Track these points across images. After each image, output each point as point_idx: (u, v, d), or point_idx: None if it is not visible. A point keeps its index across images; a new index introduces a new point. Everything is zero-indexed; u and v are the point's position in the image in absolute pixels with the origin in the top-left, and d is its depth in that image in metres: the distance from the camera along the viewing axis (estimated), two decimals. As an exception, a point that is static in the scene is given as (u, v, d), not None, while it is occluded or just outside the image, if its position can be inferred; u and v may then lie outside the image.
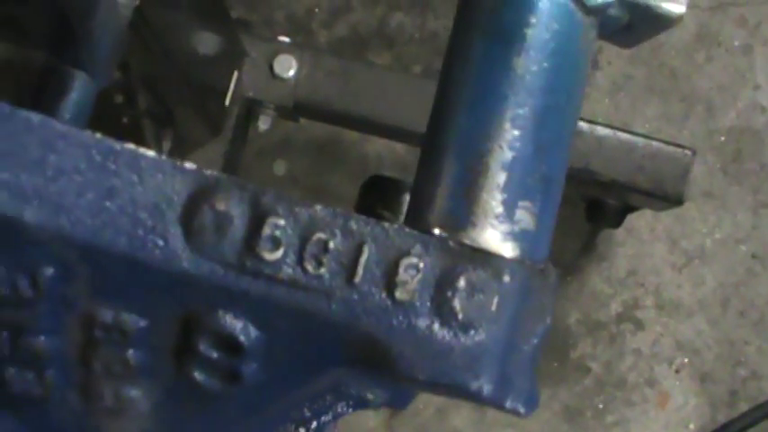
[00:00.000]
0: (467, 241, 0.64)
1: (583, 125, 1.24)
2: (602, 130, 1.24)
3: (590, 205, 1.39)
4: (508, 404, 0.65)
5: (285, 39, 1.26)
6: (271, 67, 1.23)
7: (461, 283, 0.63)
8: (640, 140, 1.24)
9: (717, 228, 1.45)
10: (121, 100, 1.01)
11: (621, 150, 1.23)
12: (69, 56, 0.70)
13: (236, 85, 1.21)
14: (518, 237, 0.66)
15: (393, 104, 1.25)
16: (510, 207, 0.65)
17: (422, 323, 0.62)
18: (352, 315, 0.61)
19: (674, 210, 1.42)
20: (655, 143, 1.24)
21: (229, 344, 0.63)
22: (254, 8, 1.48)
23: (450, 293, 0.62)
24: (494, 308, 0.63)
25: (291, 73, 1.23)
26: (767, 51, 1.47)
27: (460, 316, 0.63)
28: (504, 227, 0.65)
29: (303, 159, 1.45)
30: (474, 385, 0.63)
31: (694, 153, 1.24)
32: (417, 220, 0.65)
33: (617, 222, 1.37)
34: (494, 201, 0.65)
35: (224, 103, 1.20)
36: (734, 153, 1.46)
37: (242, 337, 0.63)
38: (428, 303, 0.62)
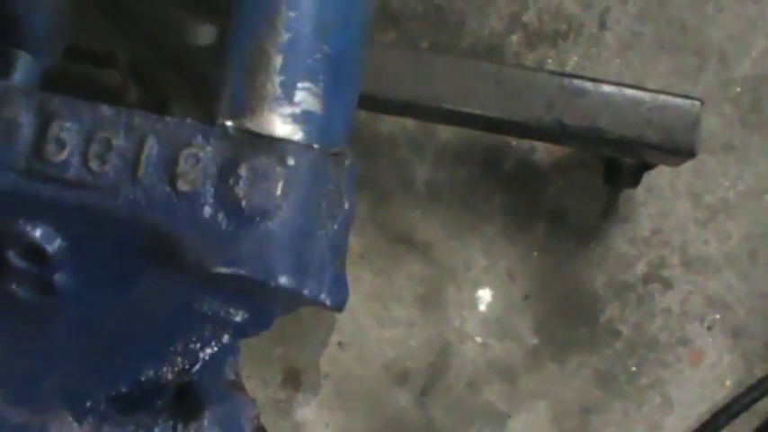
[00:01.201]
0: (251, 128, 0.63)
1: (587, 83, 1.22)
2: (607, 87, 1.22)
3: (607, 167, 1.37)
4: (307, 293, 0.63)
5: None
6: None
7: (243, 170, 0.62)
8: (647, 95, 1.22)
9: (739, 180, 1.42)
10: (113, 90, 1.01)
11: (628, 106, 1.22)
12: (8, 37, 0.70)
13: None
14: (302, 120, 0.64)
15: (397, 79, 1.25)
16: (289, 89, 0.63)
17: (206, 213, 0.61)
18: (137, 209, 0.61)
19: (695, 165, 1.41)
20: (661, 96, 1.22)
21: (36, 253, 0.63)
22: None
23: (232, 181, 0.61)
24: (279, 193, 0.62)
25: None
26: (777, -4, 1.44)
27: (244, 203, 0.61)
28: (285, 110, 0.63)
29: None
30: (266, 275, 0.62)
31: (702, 103, 1.22)
32: (205, 112, 0.64)
33: (635, 181, 1.35)
34: (270, 84, 0.63)
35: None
36: (751, 103, 1.43)
37: (47, 246, 0.63)
38: (211, 193, 0.61)
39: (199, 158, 0.61)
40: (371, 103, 1.26)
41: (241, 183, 0.62)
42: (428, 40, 1.46)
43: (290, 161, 0.63)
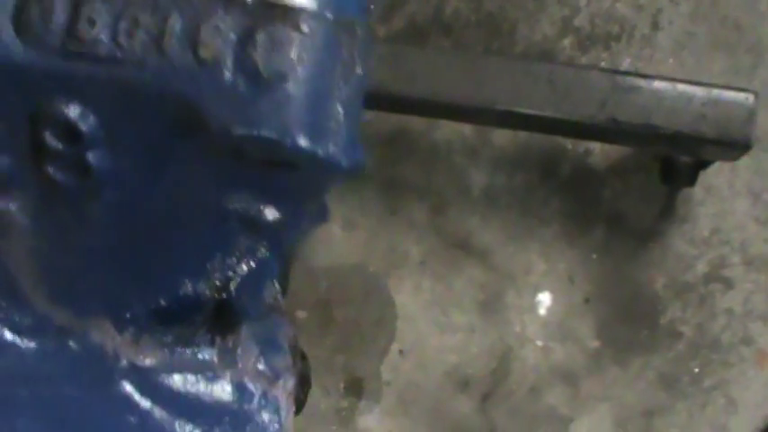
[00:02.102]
0: None
1: (639, 80, 1.22)
2: (659, 83, 1.22)
3: (663, 166, 1.37)
4: (322, 153, 0.65)
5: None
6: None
7: (261, 37, 0.64)
8: (700, 89, 1.22)
9: (799, 176, 1.41)
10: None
11: (681, 101, 1.21)
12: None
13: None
14: None
15: (449, 83, 1.25)
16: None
17: (226, 78, 0.64)
18: (163, 79, 0.64)
19: (753, 163, 1.40)
20: (715, 90, 1.21)
21: (71, 132, 0.65)
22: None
23: (251, 49, 0.64)
24: (294, 57, 0.64)
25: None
26: (831, -10, 1.43)
27: (261, 68, 0.64)
28: None
29: (374, 154, 1.45)
30: (284, 134, 0.63)
31: (757, 95, 1.21)
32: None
33: (692, 180, 1.34)
34: (285, -45, 0.65)
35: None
36: (808, 98, 1.42)
37: (81, 124, 0.65)
38: (231, 59, 0.64)
39: (219, 29, 0.64)
40: (423, 107, 1.27)
41: (259, 49, 0.65)
42: (481, 47, 1.47)
43: (305, 28, 0.67)
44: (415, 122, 1.45)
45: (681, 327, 1.40)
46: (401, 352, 1.42)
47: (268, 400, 0.74)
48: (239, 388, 0.73)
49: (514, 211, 1.43)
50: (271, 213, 0.70)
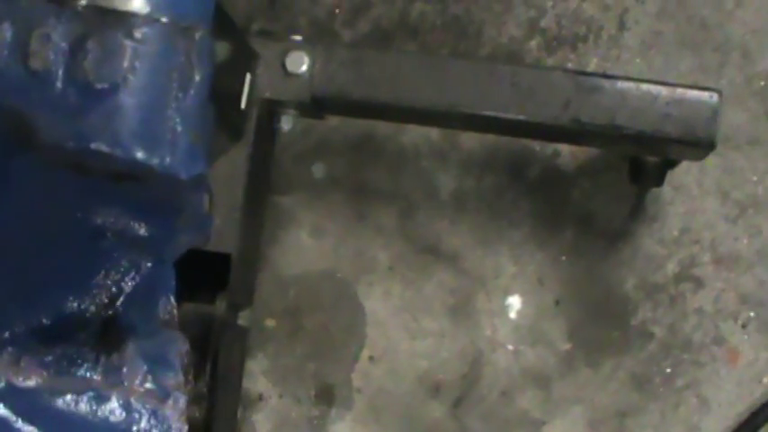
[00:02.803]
0: (101, 3, 0.63)
1: (603, 80, 1.21)
2: (623, 83, 1.21)
3: (631, 166, 1.36)
4: (158, 163, 0.64)
5: (296, 37, 1.26)
6: (283, 66, 1.23)
7: (92, 45, 0.63)
8: (664, 88, 1.21)
9: (767, 174, 1.40)
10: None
11: (645, 101, 1.20)
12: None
13: (250, 88, 1.22)
14: None
15: (412, 86, 1.24)
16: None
17: (57, 90, 0.62)
18: None
19: (722, 161, 1.39)
20: (679, 90, 1.20)
21: None
22: (276, 18, 1.49)
23: (81, 58, 0.63)
24: (126, 65, 0.63)
25: (304, 68, 1.23)
26: (797, -12, 1.43)
27: (92, 77, 0.63)
28: None
29: (341, 160, 1.45)
30: (115, 145, 0.62)
31: (721, 93, 1.20)
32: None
33: (660, 179, 1.33)
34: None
35: (239, 106, 1.21)
36: (776, 96, 1.42)
37: None
38: (62, 70, 0.62)
39: (50, 38, 0.63)
40: (387, 112, 1.26)
41: (90, 57, 0.64)
42: (447, 50, 1.46)
43: (138, 34, 0.65)
44: (382, 127, 1.44)
45: (652, 327, 1.40)
46: (371, 358, 1.41)
47: (158, 420, 0.73)
48: (126, 408, 0.72)
49: (483, 214, 1.43)
50: (142, 228, 0.68)
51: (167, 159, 0.65)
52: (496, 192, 1.43)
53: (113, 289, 0.69)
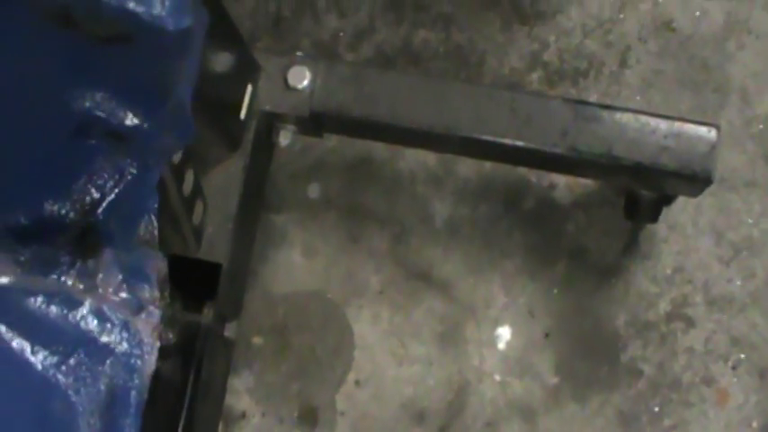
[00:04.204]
0: None
1: (602, 111, 1.21)
2: (621, 115, 1.21)
3: (627, 201, 1.36)
4: (144, 11, 0.64)
5: (299, 52, 1.27)
6: (285, 80, 1.24)
7: None
8: (662, 121, 1.21)
9: (763, 217, 1.40)
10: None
11: (643, 132, 1.20)
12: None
13: (251, 99, 1.22)
14: None
15: (412, 108, 1.24)
16: None
17: None
18: None
19: (718, 201, 1.39)
20: (677, 122, 1.20)
21: None
22: (281, 37, 1.49)
23: None
24: None
25: (305, 83, 1.23)
26: (798, 33, 1.44)
27: None
28: None
29: (336, 181, 1.45)
30: None
31: (719, 129, 1.20)
32: None
33: (655, 216, 1.33)
34: None
35: (239, 117, 1.21)
36: (774, 139, 1.42)
37: None
38: None
39: None
40: (385, 131, 1.26)
41: None
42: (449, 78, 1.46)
43: None
44: (379, 150, 1.44)
45: (641, 365, 1.38)
46: (357, 382, 1.40)
47: (129, 332, 0.72)
48: (98, 315, 0.71)
49: (476, 243, 1.42)
50: (127, 118, 0.68)
51: (156, 9, 0.64)
52: (491, 221, 1.43)
53: (95, 195, 0.68)
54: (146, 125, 0.70)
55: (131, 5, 0.64)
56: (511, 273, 1.41)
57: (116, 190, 0.69)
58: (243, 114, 1.21)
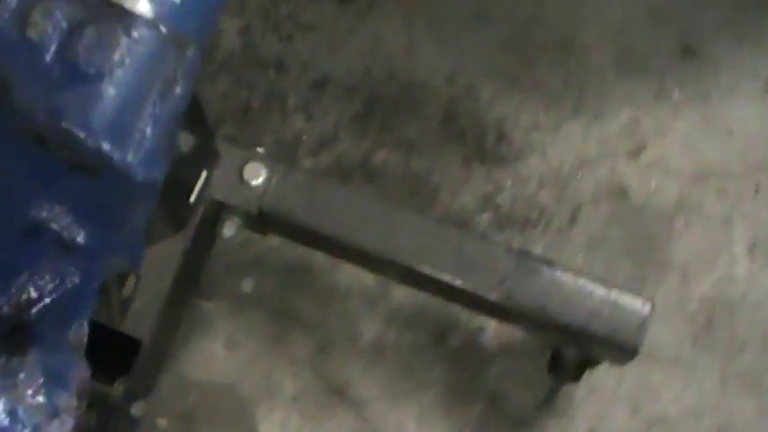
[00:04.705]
0: None
1: (543, 266, 1.23)
2: (562, 273, 1.22)
3: (552, 357, 1.36)
4: (118, 158, 0.65)
5: (260, 149, 1.27)
6: (241, 173, 1.24)
7: (90, 31, 0.66)
8: (600, 287, 1.22)
9: (681, 396, 1.41)
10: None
11: (580, 294, 1.22)
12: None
13: (203, 185, 1.22)
14: (158, 1, 0.67)
15: (359, 227, 1.25)
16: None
17: (46, 62, 0.65)
18: None
19: (640, 372, 1.40)
20: (614, 291, 1.22)
21: None
22: (246, 127, 1.50)
23: (77, 40, 0.65)
24: (116, 58, 0.66)
25: (260, 181, 1.24)
26: (746, 224, 1.46)
27: (81, 60, 0.65)
28: None
29: (272, 280, 1.44)
30: (84, 129, 0.63)
31: (654, 305, 1.22)
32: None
33: (577, 376, 1.34)
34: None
35: (188, 200, 1.21)
36: (705, 322, 1.43)
37: None
38: (55, 45, 0.65)
39: (53, 14, 0.66)
40: (328, 244, 1.27)
41: (84, 41, 0.67)
42: (400, 202, 1.47)
43: (135, 33, 0.68)
44: (319, 260, 1.44)
45: None
46: (258, 490, 1.38)
47: None
48: (11, 415, 0.70)
49: (398, 369, 1.42)
50: (80, 234, 0.68)
51: (129, 157, 0.66)
52: (415, 350, 1.43)
53: (33, 294, 0.68)
54: (96, 244, 0.70)
55: (106, 148, 0.66)
56: (427, 405, 1.41)
57: (54, 294, 0.69)
58: (192, 198, 1.21)
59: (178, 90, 0.71)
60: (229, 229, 1.27)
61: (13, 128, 0.67)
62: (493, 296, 1.22)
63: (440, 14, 1.57)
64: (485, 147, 1.51)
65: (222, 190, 1.24)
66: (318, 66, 1.55)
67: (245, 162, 1.25)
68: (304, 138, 1.51)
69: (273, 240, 1.37)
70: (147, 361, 1.19)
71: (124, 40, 0.68)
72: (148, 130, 0.69)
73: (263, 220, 1.25)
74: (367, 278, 1.44)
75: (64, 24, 0.67)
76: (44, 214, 0.70)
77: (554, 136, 1.51)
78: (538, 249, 1.45)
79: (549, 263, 1.24)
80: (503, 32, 1.56)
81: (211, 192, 1.24)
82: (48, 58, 0.66)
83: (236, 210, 1.25)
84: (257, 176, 1.24)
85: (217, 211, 1.25)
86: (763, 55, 1.53)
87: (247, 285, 1.44)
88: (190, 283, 1.30)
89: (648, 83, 1.53)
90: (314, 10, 1.58)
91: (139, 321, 1.15)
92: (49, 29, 0.66)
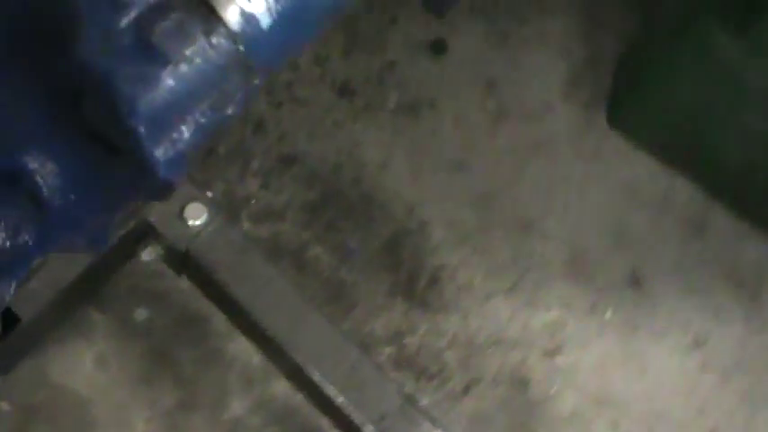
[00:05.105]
0: None
1: (425, 420, 1.22)
2: (440, 434, 1.22)
3: None
4: (147, 146, 0.64)
5: (209, 193, 1.26)
6: (182, 208, 1.23)
7: (174, 17, 0.64)
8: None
9: None
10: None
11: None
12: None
13: (142, 202, 1.20)
14: (248, 20, 0.68)
15: (268, 309, 1.24)
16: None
17: (120, 25, 0.63)
18: None
19: None
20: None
21: None
22: (203, 167, 1.48)
23: (159, 19, 0.64)
24: (187, 54, 0.64)
25: (197, 223, 1.22)
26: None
27: (155, 41, 0.64)
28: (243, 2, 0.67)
29: (165, 320, 1.42)
30: (126, 102, 0.62)
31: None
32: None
33: None
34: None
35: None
36: None
37: None
38: (135, 13, 0.63)
39: None
40: (235, 312, 1.26)
41: (165, 23, 0.65)
42: (317, 301, 1.45)
43: (214, 40, 0.67)
44: (219, 321, 1.39)
45: None
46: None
47: None
48: None
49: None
50: (60, 199, 0.67)
51: (159, 152, 0.64)
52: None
53: None
54: (68, 215, 0.69)
55: (141, 132, 0.65)
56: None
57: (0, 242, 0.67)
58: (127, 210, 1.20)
59: (229, 111, 0.70)
60: (149, 255, 1.25)
61: (50, 72, 0.65)
62: (368, 428, 1.20)
63: (425, 148, 1.58)
64: (414, 286, 1.50)
65: (159, 216, 1.22)
66: (294, 142, 1.55)
67: (191, 200, 1.23)
68: (252, 202, 1.49)
69: (184, 283, 1.34)
70: (17, 341, 1.16)
71: (202, 41, 0.66)
72: (186, 135, 0.67)
73: (185, 260, 1.23)
74: (255, 358, 1.41)
75: (152, 1, 0.66)
76: (34, 165, 0.67)
77: (482, 305, 1.51)
78: (424, 402, 1.44)
79: (432, 420, 1.23)
80: (476, 188, 1.57)
81: (147, 212, 1.22)
82: (124, 22, 0.65)
83: (163, 240, 1.23)
84: (196, 218, 1.23)
85: (144, 233, 1.23)
86: (704, 311, 1.54)
87: (141, 314, 1.41)
88: (89, 286, 1.27)
89: (588, 293, 1.54)
90: (312, 90, 1.59)
91: (27, 301, 1.12)
92: None
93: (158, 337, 1.40)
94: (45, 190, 0.67)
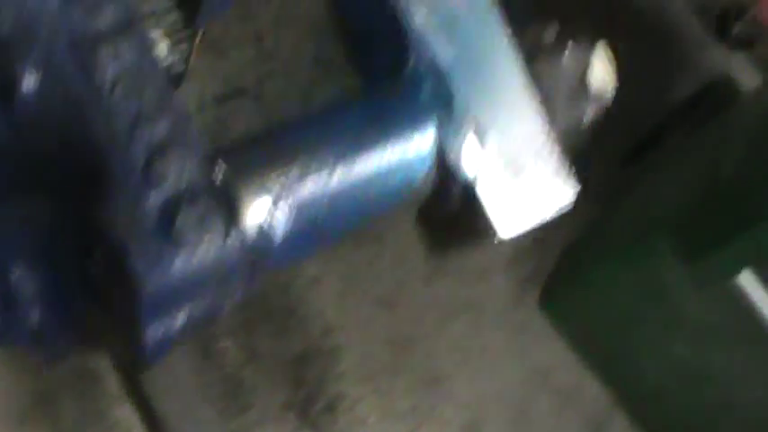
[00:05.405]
0: (239, 189, 0.71)
1: None
2: None
3: None
4: (141, 324, 0.68)
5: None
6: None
7: (200, 204, 0.69)
8: None
9: None
10: None
11: None
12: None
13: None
14: (268, 227, 0.72)
15: (162, 387, 1.22)
16: (276, 201, 0.73)
17: (146, 199, 0.68)
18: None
19: None
20: None
21: None
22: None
23: (184, 204, 0.68)
24: (201, 247, 0.68)
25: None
26: None
27: (176, 226, 0.68)
28: (271, 206, 0.73)
29: (63, 366, 1.37)
30: (136, 281, 0.66)
31: None
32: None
33: None
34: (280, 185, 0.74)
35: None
36: None
37: None
38: (161, 202, 0.69)
39: (177, 163, 0.69)
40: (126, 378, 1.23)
41: (189, 212, 0.68)
42: (210, 394, 1.43)
43: (229, 242, 0.70)
44: (113, 385, 1.37)
45: None
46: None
47: None
48: None
49: None
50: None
51: (149, 329, 0.67)
52: None
53: None
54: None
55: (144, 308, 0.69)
56: None
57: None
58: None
59: (224, 308, 0.73)
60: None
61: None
62: None
63: (360, 276, 1.59)
64: (310, 407, 1.49)
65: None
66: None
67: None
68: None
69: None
70: None
71: (218, 239, 0.69)
72: (179, 324, 0.70)
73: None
74: (136, 430, 1.37)
75: (182, 185, 0.68)
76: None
77: (370, 443, 1.50)
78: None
79: None
80: (396, 330, 1.58)
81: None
82: (152, 201, 0.68)
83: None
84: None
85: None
86: None
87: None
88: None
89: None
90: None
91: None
92: (173, 176, 0.69)
93: (49, 382, 1.37)
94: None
